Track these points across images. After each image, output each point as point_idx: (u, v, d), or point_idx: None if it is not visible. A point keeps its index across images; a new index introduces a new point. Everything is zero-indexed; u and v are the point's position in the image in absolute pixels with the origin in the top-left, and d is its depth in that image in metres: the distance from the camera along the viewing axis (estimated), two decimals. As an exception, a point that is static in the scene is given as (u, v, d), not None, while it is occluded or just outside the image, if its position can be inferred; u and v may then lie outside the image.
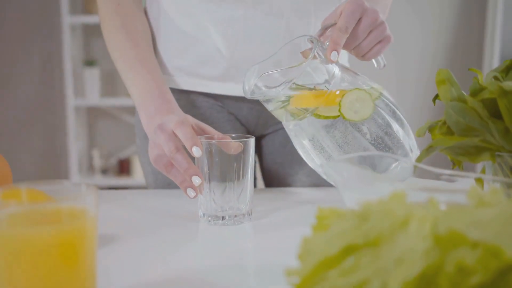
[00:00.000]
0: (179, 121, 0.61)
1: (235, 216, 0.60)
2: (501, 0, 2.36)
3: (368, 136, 0.61)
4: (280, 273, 0.36)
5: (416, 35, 2.46)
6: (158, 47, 0.81)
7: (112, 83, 2.55)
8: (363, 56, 0.67)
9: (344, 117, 0.60)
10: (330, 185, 0.82)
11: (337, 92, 0.61)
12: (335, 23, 0.62)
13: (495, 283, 0.24)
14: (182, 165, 0.59)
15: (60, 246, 0.32)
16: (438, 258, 0.25)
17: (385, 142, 0.61)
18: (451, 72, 0.48)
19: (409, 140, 0.62)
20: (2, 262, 0.32)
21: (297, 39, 0.66)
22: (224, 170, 0.59)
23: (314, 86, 0.62)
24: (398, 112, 0.63)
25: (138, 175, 2.49)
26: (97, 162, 2.53)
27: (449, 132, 0.46)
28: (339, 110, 0.60)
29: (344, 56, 0.86)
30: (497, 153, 0.44)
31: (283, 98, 0.62)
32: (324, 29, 0.64)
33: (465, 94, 0.46)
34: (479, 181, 0.42)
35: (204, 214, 0.61)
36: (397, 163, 0.48)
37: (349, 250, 0.28)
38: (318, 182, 0.84)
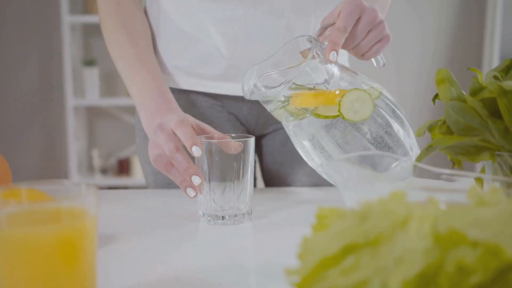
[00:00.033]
0: (179, 121, 0.61)
1: (235, 215, 0.60)
2: (500, 0, 2.36)
3: (368, 135, 0.61)
4: (280, 273, 0.36)
5: (415, 35, 2.46)
6: (158, 47, 0.81)
7: (111, 83, 2.55)
8: (363, 55, 0.67)
9: (343, 117, 0.60)
10: (330, 185, 0.82)
11: (337, 92, 0.61)
12: (334, 23, 0.62)
13: (495, 282, 0.24)
14: (182, 165, 0.59)
15: (60, 246, 0.32)
16: (438, 257, 0.25)
17: (385, 142, 0.61)
18: (451, 72, 0.48)
19: (409, 139, 0.62)
20: (2, 262, 0.32)
21: (296, 39, 0.66)
22: (224, 169, 0.59)
23: (314, 86, 0.62)
24: (398, 112, 0.63)
25: (137, 175, 2.49)
26: (97, 162, 2.53)
27: (449, 131, 0.46)
28: (338, 110, 0.60)
29: (344, 56, 0.86)
30: (496, 152, 0.44)
31: (282, 98, 0.62)
32: (323, 28, 0.64)
33: (465, 93, 0.46)
34: (479, 180, 0.42)
35: (204, 214, 0.61)
36: (397, 162, 0.48)
37: (349, 250, 0.28)
38: (318, 182, 0.84)
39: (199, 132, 0.65)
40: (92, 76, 2.39)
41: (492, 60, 2.41)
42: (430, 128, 0.49)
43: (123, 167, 2.54)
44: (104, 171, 2.57)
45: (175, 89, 0.80)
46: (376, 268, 0.26)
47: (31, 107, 2.56)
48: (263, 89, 0.64)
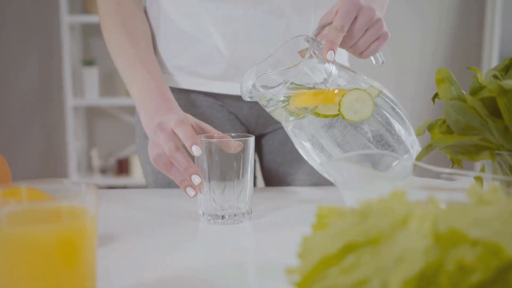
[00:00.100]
0: (178, 120, 0.61)
1: (235, 215, 0.60)
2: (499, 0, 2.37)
3: (368, 134, 0.61)
4: (280, 272, 0.36)
5: (415, 35, 2.46)
6: (158, 47, 0.81)
7: (111, 82, 2.55)
8: (361, 54, 0.67)
9: (343, 117, 0.60)
10: (330, 184, 0.82)
11: (336, 91, 0.61)
12: (331, 22, 0.62)
13: (495, 281, 0.24)
14: (182, 164, 0.59)
15: (60, 245, 0.32)
16: (438, 256, 0.25)
17: (386, 140, 0.61)
18: (450, 71, 0.48)
19: (410, 137, 0.62)
20: (2, 261, 0.32)
21: (295, 39, 0.66)
22: (224, 169, 0.59)
23: (314, 86, 0.62)
24: (398, 110, 0.63)
25: (137, 174, 2.49)
26: (96, 162, 2.53)
27: (449, 131, 0.46)
28: (338, 110, 0.60)
29: (344, 55, 0.86)
30: (496, 151, 0.44)
31: (281, 98, 0.62)
32: (321, 28, 0.64)
33: (465, 93, 0.46)
34: (479, 179, 0.42)
35: (203, 213, 0.61)
36: (397, 161, 0.48)
37: (349, 248, 0.28)
38: (318, 181, 0.84)
39: (199, 131, 0.65)
40: (91, 76, 2.39)
41: (492, 59, 2.41)
42: (430, 128, 0.49)
43: (123, 167, 2.53)
44: (103, 171, 2.57)
45: (175, 89, 0.80)
46: (376, 267, 0.26)
47: (31, 107, 2.56)
48: (261, 89, 0.64)
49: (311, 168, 0.78)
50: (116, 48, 0.74)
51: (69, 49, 2.33)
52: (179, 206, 0.68)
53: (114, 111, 2.59)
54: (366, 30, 0.63)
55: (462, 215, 0.26)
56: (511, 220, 0.26)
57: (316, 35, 0.64)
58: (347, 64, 0.87)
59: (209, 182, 0.59)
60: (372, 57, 0.68)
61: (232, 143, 0.59)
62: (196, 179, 0.58)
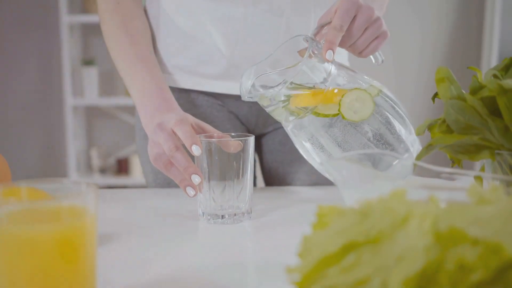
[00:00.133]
0: (178, 120, 0.61)
1: (235, 214, 0.60)
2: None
3: (368, 134, 0.61)
4: (279, 271, 0.36)
5: (415, 34, 2.46)
6: (158, 46, 0.81)
7: (110, 82, 2.55)
8: (360, 53, 0.67)
9: (343, 117, 0.60)
10: (330, 184, 0.82)
11: (335, 91, 0.61)
12: (331, 21, 0.62)
13: (495, 280, 0.24)
14: (182, 164, 0.59)
15: (60, 245, 0.32)
16: (438, 255, 0.25)
17: (386, 139, 0.61)
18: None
19: (410, 136, 0.62)
20: (2, 260, 0.31)
21: (294, 38, 0.66)
22: (224, 168, 0.59)
23: (314, 85, 0.62)
24: (398, 109, 0.63)
25: (136, 174, 2.49)
26: (96, 161, 2.53)
27: (449, 130, 0.46)
28: (338, 110, 0.60)
29: (343, 54, 0.86)
30: (496, 151, 0.44)
31: (281, 98, 0.62)
32: (320, 27, 0.64)
33: (464, 92, 0.46)
34: (478, 179, 0.42)
35: (203, 213, 0.61)
36: (397, 160, 0.48)
37: (349, 248, 0.28)
38: (318, 181, 0.84)
39: (199, 131, 0.65)
40: (91, 75, 2.39)
41: (491, 59, 2.41)
42: (430, 127, 0.49)
43: (122, 167, 2.53)
44: (103, 170, 2.57)
45: (175, 88, 0.80)
46: (377, 266, 0.26)
47: (30, 107, 2.56)
48: (260, 89, 0.64)
49: (311, 167, 0.78)
50: (116, 48, 0.74)
51: (69, 48, 2.33)
52: (179, 206, 0.68)
53: (113, 111, 2.59)
54: (365, 29, 0.63)
55: (462, 214, 0.26)
56: (511, 219, 0.26)
57: (315, 34, 0.64)
58: (347, 63, 0.87)
59: (209, 181, 0.59)
60: (371, 56, 0.68)
61: (232, 143, 0.59)
62: (196, 179, 0.58)
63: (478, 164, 2.08)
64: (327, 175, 0.66)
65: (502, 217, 0.26)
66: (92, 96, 2.40)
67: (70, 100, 2.35)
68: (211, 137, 0.62)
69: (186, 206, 0.67)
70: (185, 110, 0.74)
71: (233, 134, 0.63)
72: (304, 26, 0.75)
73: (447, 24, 2.48)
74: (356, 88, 0.61)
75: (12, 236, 0.31)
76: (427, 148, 0.46)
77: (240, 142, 0.59)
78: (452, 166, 0.49)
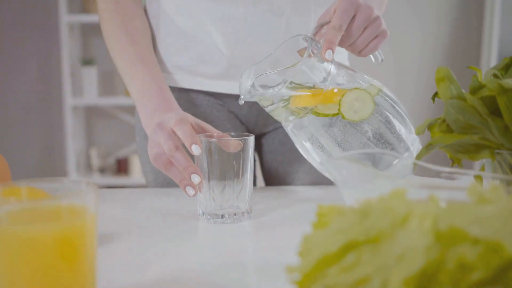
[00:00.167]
0: (178, 120, 0.61)
1: (235, 214, 0.60)
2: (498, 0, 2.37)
3: (368, 133, 0.61)
4: (279, 271, 0.36)
5: (415, 34, 2.47)
6: (158, 46, 0.81)
7: (110, 82, 2.55)
8: (360, 52, 0.66)
9: (343, 117, 0.60)
10: (329, 184, 0.82)
11: (335, 90, 0.61)
12: (330, 21, 0.62)
13: (496, 279, 0.24)
14: (182, 164, 0.59)
15: (60, 244, 0.32)
16: (439, 254, 0.25)
17: (386, 139, 0.61)
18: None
19: (410, 135, 0.62)
20: (2, 260, 0.31)
21: (294, 38, 0.66)
22: (224, 168, 0.59)
23: (314, 85, 0.62)
24: (398, 108, 0.63)
25: (136, 174, 2.49)
26: (95, 161, 2.52)
27: (449, 130, 0.46)
28: (338, 110, 0.60)
29: (343, 54, 0.86)
30: (496, 150, 0.44)
31: (280, 98, 0.62)
32: (319, 26, 0.64)
33: (464, 92, 0.46)
34: (478, 178, 0.42)
35: (203, 213, 0.61)
36: (397, 160, 0.48)
37: (349, 247, 0.28)
38: (318, 181, 0.84)
39: (199, 130, 0.65)
40: (90, 75, 2.38)
41: (490, 59, 2.41)
42: (430, 127, 0.49)
43: (122, 167, 2.53)
44: (102, 170, 2.57)
45: (175, 88, 0.80)
46: (377, 265, 0.26)
47: (30, 107, 2.55)
48: (260, 89, 0.64)
49: (311, 167, 0.78)
50: (116, 47, 0.73)
51: (68, 48, 2.33)
52: (178, 206, 0.68)
53: (113, 111, 2.59)
54: (365, 28, 0.63)
55: (462, 214, 0.26)
56: (511, 219, 0.26)
57: (315, 34, 0.64)
58: (347, 63, 0.87)
59: (209, 181, 0.59)
60: (371, 55, 0.68)
61: (232, 142, 0.58)
62: (195, 178, 0.58)
63: (477, 164, 2.08)
64: (327, 175, 0.66)
65: (502, 217, 0.26)
66: (91, 96, 2.39)
67: (69, 100, 2.35)
68: (211, 136, 0.62)
69: (186, 206, 0.67)
70: (185, 110, 0.74)
71: (233, 133, 0.63)
72: (304, 26, 0.75)
73: (446, 24, 2.48)
74: (356, 88, 0.61)
75: (12, 235, 0.31)
76: (427, 147, 0.46)
77: (240, 141, 0.59)
78: (452, 166, 0.49)
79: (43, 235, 0.31)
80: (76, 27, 2.47)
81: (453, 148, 0.46)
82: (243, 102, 0.63)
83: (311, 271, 0.28)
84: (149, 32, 0.79)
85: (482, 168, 0.48)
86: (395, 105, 0.63)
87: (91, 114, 2.63)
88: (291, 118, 0.63)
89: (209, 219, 0.60)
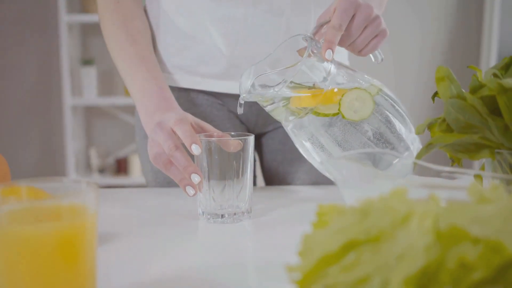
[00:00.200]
0: (178, 119, 0.61)
1: (234, 214, 0.60)
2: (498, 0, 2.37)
3: (369, 133, 0.61)
4: (279, 271, 0.36)
5: (414, 34, 2.47)
6: (158, 46, 0.80)
7: (109, 82, 2.55)
8: (360, 51, 0.66)
9: (343, 117, 0.60)
10: (330, 183, 0.82)
11: (335, 90, 0.61)
12: (329, 21, 0.62)
13: (496, 279, 0.24)
14: (181, 163, 0.59)
15: (60, 243, 0.32)
16: (439, 254, 0.25)
17: (386, 138, 0.61)
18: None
19: (410, 135, 0.62)
20: (2, 260, 0.31)
21: (294, 37, 0.66)
22: (224, 168, 0.59)
23: (314, 84, 0.62)
24: (398, 107, 0.63)
25: (135, 174, 2.49)
26: (95, 161, 2.52)
27: (449, 129, 0.46)
28: (338, 109, 0.60)
29: (343, 53, 0.86)
30: (496, 150, 0.44)
31: (280, 99, 0.62)
32: (319, 26, 0.64)
33: (464, 91, 0.46)
34: (478, 178, 0.42)
35: (203, 212, 0.61)
36: (397, 159, 0.48)
37: (350, 246, 0.28)
38: (318, 180, 0.84)
39: (199, 130, 0.65)
40: (90, 75, 2.38)
41: (490, 59, 2.41)
42: (430, 126, 0.49)
43: (121, 167, 2.53)
44: (101, 170, 2.57)
45: (175, 88, 0.80)
46: (377, 265, 0.26)
47: (29, 106, 2.55)
48: (260, 89, 0.64)
49: (311, 167, 0.78)
50: (116, 47, 0.73)
51: (68, 48, 2.32)
52: (178, 205, 0.68)
53: (112, 111, 2.58)
54: (365, 27, 0.63)
55: (463, 213, 0.26)
56: (512, 218, 0.26)
57: (315, 33, 0.64)
58: (347, 62, 0.87)
59: (209, 181, 0.59)
60: (371, 55, 0.68)
61: (232, 142, 0.58)
62: (195, 178, 0.58)
63: (477, 163, 2.08)
64: (327, 174, 0.66)
65: (503, 216, 0.26)
66: (91, 96, 2.39)
67: (69, 100, 2.35)
68: (211, 136, 0.62)
69: (186, 206, 0.67)
70: (185, 110, 0.74)
71: (233, 133, 0.63)
72: (304, 26, 0.75)
73: (446, 24, 2.48)
74: (356, 88, 0.61)
75: (12, 235, 0.31)
76: (427, 147, 0.46)
77: (240, 141, 0.59)
78: (452, 165, 0.49)
79: (43, 235, 0.31)
80: (75, 27, 2.47)
81: (453, 147, 0.46)
82: (242, 111, 0.63)
83: (311, 271, 0.28)
84: (149, 32, 0.79)
85: (482, 168, 0.48)
86: (395, 105, 0.63)
87: (91, 114, 2.63)
88: (291, 118, 0.63)
89: (209, 219, 0.60)
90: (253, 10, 0.73)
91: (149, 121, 0.66)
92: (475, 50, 2.49)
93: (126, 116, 2.55)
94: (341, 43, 0.64)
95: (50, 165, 2.60)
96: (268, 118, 0.84)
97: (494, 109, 0.43)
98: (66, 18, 2.29)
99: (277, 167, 0.87)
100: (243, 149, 0.59)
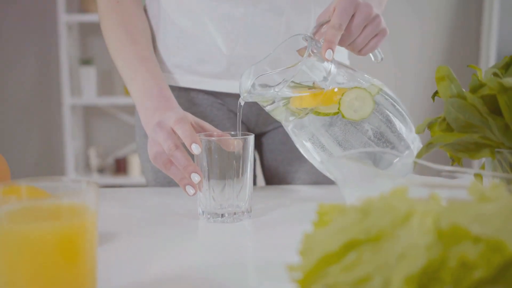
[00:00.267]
0: (178, 119, 0.61)
1: (234, 213, 0.60)
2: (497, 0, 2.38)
3: (369, 132, 0.61)
4: (279, 270, 0.36)
5: (414, 34, 2.47)
6: (158, 45, 0.80)
7: (108, 81, 2.54)
8: (360, 51, 0.66)
9: (343, 116, 0.60)
10: (330, 183, 0.82)
11: (335, 90, 0.61)
12: (329, 20, 0.62)
13: (497, 277, 0.24)
14: (181, 163, 0.59)
15: (60, 243, 0.32)
16: (440, 253, 0.25)
17: (386, 138, 0.61)
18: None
19: (411, 134, 0.62)
20: (2, 259, 0.31)
21: (294, 37, 0.66)
22: (224, 167, 0.58)
23: (314, 83, 0.62)
24: (398, 107, 0.63)
25: (135, 174, 2.48)
26: (94, 161, 2.52)
27: (449, 128, 0.46)
28: (338, 109, 0.60)
29: (344, 53, 0.86)
30: (496, 149, 0.44)
31: (280, 98, 0.62)
32: (319, 26, 0.64)
33: (464, 90, 0.46)
34: (479, 177, 0.42)
35: (203, 212, 0.61)
36: (398, 158, 0.48)
37: (350, 246, 0.28)
38: (318, 180, 0.84)
39: (199, 130, 0.65)
40: (89, 75, 2.38)
41: (489, 58, 2.42)
42: (430, 126, 0.49)
43: (120, 166, 2.53)
44: (101, 170, 2.56)
45: (175, 87, 0.80)
46: (378, 264, 0.26)
47: (28, 106, 2.55)
48: (260, 89, 0.64)
49: (312, 166, 0.78)
50: (116, 46, 0.73)
51: (67, 48, 2.32)
52: (178, 205, 0.68)
53: (111, 110, 2.58)
54: (364, 27, 0.63)
55: (464, 212, 0.26)
56: (513, 217, 0.26)
57: (314, 33, 0.64)
58: (347, 61, 0.87)
59: (209, 180, 0.59)
60: (371, 54, 0.68)
61: (232, 142, 0.58)
62: (195, 178, 0.58)
63: (476, 163, 2.08)
64: (327, 174, 0.66)
65: (504, 215, 0.26)
66: (90, 96, 2.39)
67: (68, 100, 2.34)
68: (211, 135, 0.62)
69: (186, 205, 0.67)
70: (185, 109, 0.74)
71: (233, 132, 0.63)
72: (304, 25, 0.75)
73: (446, 24, 2.48)
74: (356, 87, 0.61)
75: (12, 234, 0.31)
76: (427, 146, 0.46)
77: (240, 140, 0.59)
78: (452, 165, 0.49)
79: (43, 234, 0.31)
80: (74, 26, 2.46)
81: (453, 147, 0.46)
82: (241, 113, 0.63)
83: (312, 270, 0.28)
84: (149, 32, 0.79)
85: (482, 167, 0.48)
86: (395, 104, 0.63)
87: (90, 113, 2.62)
88: (291, 118, 0.63)
89: (209, 218, 0.60)
90: (253, 10, 0.73)
91: (149, 120, 0.66)
92: (475, 50, 2.49)
93: (125, 116, 2.55)
94: (341, 43, 0.64)
95: (49, 165, 2.60)
96: (268, 118, 0.84)
97: (494, 109, 0.43)
98: (65, 18, 2.29)
99: (277, 167, 0.87)
100: (243, 149, 0.59)
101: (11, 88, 2.53)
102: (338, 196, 0.49)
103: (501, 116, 0.42)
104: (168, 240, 0.54)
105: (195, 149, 0.58)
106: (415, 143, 0.63)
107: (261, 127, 0.86)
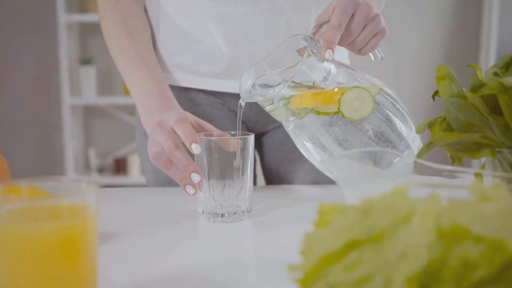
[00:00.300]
0: (178, 118, 0.61)
1: (235, 213, 0.60)
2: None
3: (369, 132, 0.61)
4: (280, 270, 0.36)
5: (414, 34, 2.47)
6: (158, 45, 0.80)
7: (108, 81, 2.54)
8: (360, 51, 0.66)
9: (343, 116, 0.60)
10: (330, 183, 0.82)
11: (335, 89, 0.61)
12: (329, 20, 0.62)
13: (498, 277, 0.24)
14: (181, 162, 0.58)
15: (60, 243, 0.31)
16: (441, 252, 0.25)
17: (387, 137, 0.61)
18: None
19: (411, 134, 0.62)
20: (3, 259, 0.31)
21: (293, 37, 0.66)
22: (224, 167, 0.58)
23: (314, 83, 0.62)
24: (398, 106, 0.63)
25: (134, 174, 2.48)
26: (94, 161, 2.52)
27: (449, 128, 0.46)
28: (338, 109, 0.60)
29: (344, 53, 0.86)
30: (497, 149, 0.44)
31: (280, 99, 0.62)
32: (319, 26, 0.64)
33: (465, 90, 0.46)
34: (479, 176, 0.42)
35: (203, 212, 0.61)
36: (398, 158, 0.48)
37: (351, 245, 0.28)
38: (319, 180, 0.84)
39: (199, 129, 0.65)
40: (88, 74, 2.38)
41: (489, 58, 2.42)
42: (430, 125, 0.49)
43: (120, 166, 2.53)
44: (100, 170, 2.56)
45: (175, 87, 0.80)
46: (379, 264, 0.26)
47: (28, 106, 2.55)
48: (260, 89, 0.64)
49: (312, 166, 0.77)
50: (116, 46, 0.73)
51: (66, 48, 2.32)
52: (178, 204, 0.68)
53: (111, 110, 2.58)
54: (364, 26, 0.63)
55: (465, 212, 0.26)
56: (514, 216, 0.26)
57: (314, 33, 0.64)
58: (347, 61, 0.86)
59: (209, 180, 0.59)
60: (371, 54, 0.68)
61: (232, 141, 0.58)
62: (195, 177, 0.58)
63: (477, 163, 2.08)
64: (328, 174, 0.66)
65: (505, 214, 0.26)
66: (90, 96, 2.39)
67: (67, 99, 2.34)
68: (211, 135, 0.62)
69: (186, 205, 0.67)
70: (185, 109, 0.74)
71: (233, 132, 0.63)
72: (304, 25, 0.75)
73: (445, 23, 2.48)
74: (356, 87, 0.61)
75: (13, 234, 0.31)
76: (428, 146, 0.46)
77: (240, 140, 0.59)
78: (452, 164, 0.49)
79: (43, 234, 0.31)
80: (74, 26, 2.46)
81: (454, 146, 0.46)
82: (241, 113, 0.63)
83: (313, 270, 0.28)
84: (149, 31, 0.78)
85: (483, 167, 0.48)
86: (395, 104, 0.63)
87: (90, 113, 2.62)
88: (291, 118, 0.63)
89: (209, 218, 0.60)
90: (253, 9, 0.73)
91: (149, 120, 0.66)
92: (474, 50, 2.49)
93: (125, 116, 2.55)
94: (341, 42, 0.64)
95: (49, 165, 2.60)
96: (268, 118, 0.84)
97: (494, 108, 0.43)
98: (64, 18, 2.29)
99: (278, 167, 0.87)
100: (243, 148, 0.59)
101: (11, 87, 2.53)
102: (338, 196, 0.49)
103: (501, 115, 0.42)
104: (168, 240, 0.54)
105: (195, 149, 0.58)
106: (416, 142, 0.63)
107: (261, 127, 0.86)
